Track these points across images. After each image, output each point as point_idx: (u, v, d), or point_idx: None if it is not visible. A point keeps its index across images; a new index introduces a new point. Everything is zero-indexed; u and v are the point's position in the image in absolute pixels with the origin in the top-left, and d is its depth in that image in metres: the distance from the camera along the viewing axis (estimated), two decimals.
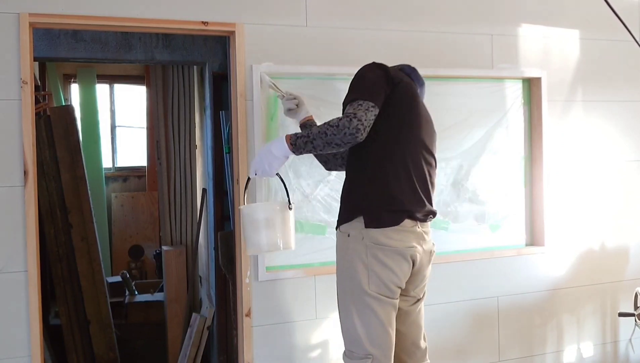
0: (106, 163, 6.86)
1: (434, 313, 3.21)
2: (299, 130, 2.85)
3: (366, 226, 2.23)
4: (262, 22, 2.88)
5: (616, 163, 3.60)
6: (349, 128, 2.11)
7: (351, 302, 2.28)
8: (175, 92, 5.00)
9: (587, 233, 3.54)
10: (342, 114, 2.23)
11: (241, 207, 2.54)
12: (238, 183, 2.87)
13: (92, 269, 4.46)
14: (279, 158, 2.30)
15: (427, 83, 3.07)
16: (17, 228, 2.57)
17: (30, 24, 2.59)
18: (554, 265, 3.46)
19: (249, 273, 2.89)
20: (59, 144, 4.34)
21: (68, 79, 6.80)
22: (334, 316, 3.04)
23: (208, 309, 4.28)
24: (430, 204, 2.36)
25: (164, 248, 4.98)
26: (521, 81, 3.41)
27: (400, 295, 2.33)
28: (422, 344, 2.49)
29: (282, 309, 2.97)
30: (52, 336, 4.37)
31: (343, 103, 2.33)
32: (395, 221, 2.22)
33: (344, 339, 2.34)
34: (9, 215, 2.56)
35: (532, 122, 3.43)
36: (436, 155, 2.43)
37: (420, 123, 2.33)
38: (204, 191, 4.61)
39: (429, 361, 2.52)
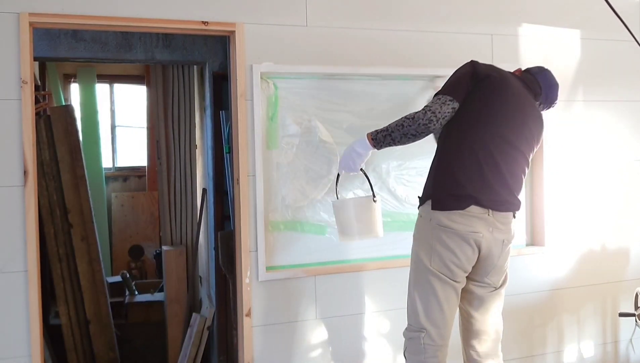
0: (106, 162, 6.86)
1: None
2: (299, 128, 2.87)
3: (432, 209, 2.37)
4: (262, 22, 2.88)
5: (616, 163, 3.60)
6: (422, 119, 2.33)
7: (415, 278, 2.43)
8: (175, 92, 5.00)
9: (587, 233, 3.54)
10: None
11: (333, 201, 2.77)
12: (238, 183, 2.87)
13: (92, 269, 4.45)
14: (362, 155, 2.51)
15: (427, 83, 3.08)
16: (17, 227, 2.57)
17: (30, 24, 2.59)
18: (554, 265, 3.46)
19: (249, 273, 2.89)
20: (59, 144, 4.33)
21: (68, 78, 6.80)
22: (334, 317, 3.05)
23: (208, 309, 4.28)
24: (509, 195, 2.41)
25: (164, 248, 4.98)
26: None
27: (475, 281, 2.45)
28: (493, 334, 2.52)
29: (282, 309, 2.97)
30: (52, 336, 4.37)
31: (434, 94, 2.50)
32: (459, 206, 2.33)
33: (407, 314, 2.48)
34: (9, 215, 2.56)
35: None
36: (526, 151, 2.47)
37: (504, 116, 2.40)
38: (204, 191, 4.61)
39: (500, 355, 2.55)
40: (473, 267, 2.41)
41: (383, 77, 3.10)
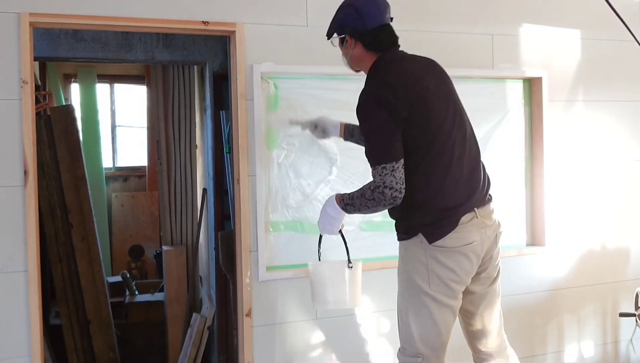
0: (106, 162, 6.86)
1: None
2: (299, 128, 2.87)
3: (430, 243, 2.23)
4: (262, 22, 2.88)
5: (617, 163, 3.60)
6: (385, 200, 2.14)
7: (408, 302, 2.31)
8: (175, 92, 5.00)
9: (587, 233, 3.54)
10: (370, 171, 2.21)
11: (309, 264, 2.63)
12: (238, 183, 2.87)
13: (92, 269, 4.45)
14: (336, 218, 2.36)
15: None
16: (17, 228, 2.57)
17: (31, 24, 2.59)
18: (554, 265, 3.46)
19: (249, 273, 2.88)
20: (59, 144, 4.33)
21: (68, 78, 6.80)
22: (334, 317, 3.04)
23: (208, 309, 4.28)
24: (482, 186, 2.30)
25: (164, 248, 4.98)
26: (522, 81, 3.41)
27: (475, 280, 2.35)
28: (495, 330, 2.45)
29: (283, 309, 2.97)
30: (52, 336, 4.37)
31: (362, 134, 2.28)
32: (452, 225, 2.21)
33: (399, 337, 2.36)
34: (9, 215, 2.56)
35: (532, 122, 3.43)
36: (469, 128, 2.33)
37: (437, 114, 2.22)
38: (205, 190, 4.61)
39: (508, 348, 2.49)
40: (481, 267, 2.35)
41: None
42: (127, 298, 5.48)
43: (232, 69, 2.90)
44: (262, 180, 2.89)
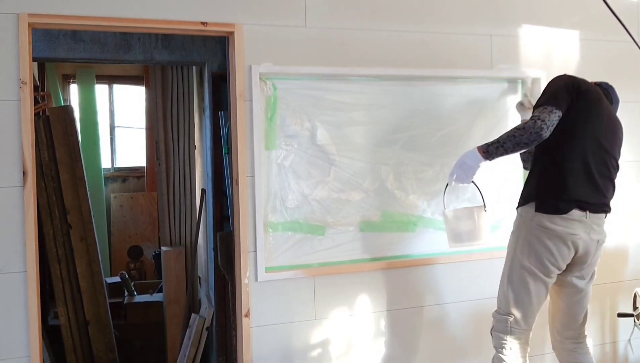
0: (105, 163, 6.86)
1: (433, 314, 3.21)
2: (298, 129, 2.87)
3: (536, 211, 2.58)
4: (261, 23, 2.88)
5: None
6: (533, 128, 2.48)
7: (510, 272, 2.67)
8: (174, 93, 5.00)
9: None
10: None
11: (445, 211, 2.92)
12: (237, 184, 2.87)
13: (91, 269, 4.45)
14: (473, 167, 2.66)
15: (426, 83, 3.08)
16: (16, 228, 2.57)
17: (30, 25, 2.59)
18: None
19: (248, 273, 2.89)
20: (58, 145, 4.33)
21: (67, 79, 6.80)
22: (333, 317, 3.05)
23: (207, 310, 4.28)
24: (603, 197, 2.64)
25: (163, 248, 4.98)
26: (521, 81, 3.41)
27: (568, 274, 2.67)
28: (584, 319, 2.81)
29: (281, 309, 2.97)
30: (52, 336, 4.37)
31: (534, 106, 2.68)
32: (562, 210, 2.54)
33: (497, 300, 2.73)
34: (8, 216, 2.56)
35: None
36: (617, 156, 2.74)
37: (599, 125, 2.63)
38: (203, 191, 4.61)
39: (586, 337, 2.86)
40: (568, 264, 2.62)
41: (382, 78, 3.10)
42: (126, 298, 5.47)
43: (231, 70, 2.91)
44: (261, 181, 2.89)
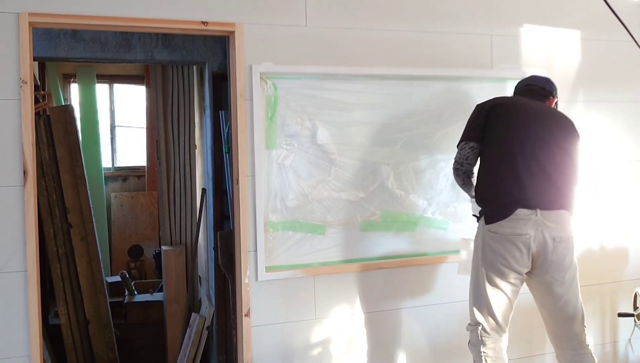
0: (106, 162, 6.85)
1: (433, 314, 3.21)
2: (299, 128, 2.89)
3: (485, 224, 2.63)
4: (261, 22, 2.89)
5: (616, 163, 3.60)
6: (453, 171, 2.83)
7: (472, 280, 2.72)
8: (175, 92, 5.00)
9: (586, 233, 3.54)
10: None
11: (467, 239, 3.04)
12: (237, 183, 2.87)
13: (91, 269, 4.45)
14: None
15: (426, 83, 3.08)
16: (16, 227, 2.57)
17: (30, 24, 2.59)
18: None
19: (248, 273, 2.89)
20: (59, 144, 4.33)
21: (68, 78, 6.79)
22: (333, 316, 3.05)
23: (207, 309, 4.28)
24: (556, 192, 2.60)
25: (164, 248, 4.98)
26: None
27: (539, 277, 2.62)
28: (577, 327, 2.70)
29: (282, 309, 2.97)
30: (52, 336, 4.37)
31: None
32: (505, 214, 2.56)
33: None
34: (8, 215, 2.56)
35: None
36: (564, 151, 2.68)
37: (522, 127, 2.66)
38: (204, 191, 4.61)
39: (587, 346, 2.76)
40: (533, 265, 2.59)
41: (383, 78, 3.11)
42: (126, 298, 5.47)
43: (232, 69, 2.91)
44: (261, 180, 2.89)
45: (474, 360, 2.71)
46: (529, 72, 3.35)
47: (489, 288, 2.61)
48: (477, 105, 2.82)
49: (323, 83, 3.01)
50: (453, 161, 2.79)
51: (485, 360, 2.64)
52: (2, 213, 2.56)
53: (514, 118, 2.69)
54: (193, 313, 4.49)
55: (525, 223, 2.53)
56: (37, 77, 5.55)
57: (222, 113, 3.95)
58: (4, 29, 2.54)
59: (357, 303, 3.10)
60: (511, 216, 2.54)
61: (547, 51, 3.42)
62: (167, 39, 4.21)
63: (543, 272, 2.60)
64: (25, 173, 2.57)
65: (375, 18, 3.07)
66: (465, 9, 3.24)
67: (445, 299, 3.23)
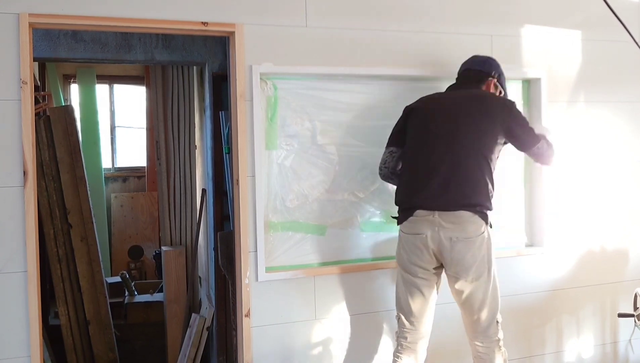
0: (106, 163, 6.86)
1: (434, 313, 3.21)
2: (299, 128, 2.89)
3: (398, 224, 2.79)
4: (262, 23, 2.88)
5: (616, 164, 3.60)
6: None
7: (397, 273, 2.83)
8: (175, 93, 5.00)
9: (586, 233, 3.54)
10: None
11: None
12: (238, 184, 2.87)
13: (91, 269, 4.46)
14: None
15: (426, 84, 3.08)
16: (16, 228, 2.57)
17: (30, 24, 2.59)
18: (553, 266, 3.46)
19: (248, 273, 2.89)
20: (59, 145, 4.34)
21: (68, 79, 6.80)
22: (333, 317, 3.05)
23: (207, 309, 4.28)
24: (455, 194, 2.61)
25: (164, 248, 4.98)
26: (521, 81, 3.41)
27: (449, 274, 2.69)
28: (483, 321, 2.68)
29: (282, 309, 2.97)
30: (52, 336, 4.37)
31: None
32: (407, 216, 2.70)
33: None
34: (8, 215, 2.56)
35: (531, 123, 3.42)
36: (477, 146, 2.65)
37: (433, 129, 2.70)
38: (204, 191, 4.61)
39: (496, 341, 2.70)
40: (440, 262, 2.68)
41: (383, 78, 3.11)
42: (127, 298, 5.48)
43: (232, 70, 2.91)
44: (261, 181, 2.89)
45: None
46: (529, 73, 3.36)
47: (401, 282, 2.75)
48: (404, 109, 2.86)
49: (323, 83, 3.01)
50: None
51: (399, 347, 2.78)
52: (2, 214, 2.56)
53: (425, 121, 2.74)
54: (193, 314, 4.49)
55: (424, 223, 2.63)
56: (37, 78, 5.55)
57: (222, 114, 3.95)
58: (4, 29, 2.54)
59: (357, 303, 3.10)
60: (412, 217, 2.66)
61: (547, 51, 3.42)
62: (167, 40, 4.21)
63: (448, 268, 2.67)
64: (25, 173, 2.57)
65: (375, 18, 3.07)
66: (465, 9, 3.24)
67: (445, 299, 3.22)
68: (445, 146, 2.65)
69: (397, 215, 2.80)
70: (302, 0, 2.95)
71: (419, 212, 2.65)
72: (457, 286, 2.66)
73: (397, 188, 2.82)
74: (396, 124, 2.85)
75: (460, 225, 2.60)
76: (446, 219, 2.60)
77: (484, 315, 2.67)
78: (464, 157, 2.63)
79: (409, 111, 2.80)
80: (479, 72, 2.86)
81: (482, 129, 2.67)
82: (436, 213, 2.61)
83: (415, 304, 2.72)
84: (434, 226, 2.62)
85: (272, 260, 2.94)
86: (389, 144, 2.86)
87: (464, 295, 2.67)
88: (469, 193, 2.62)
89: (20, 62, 2.56)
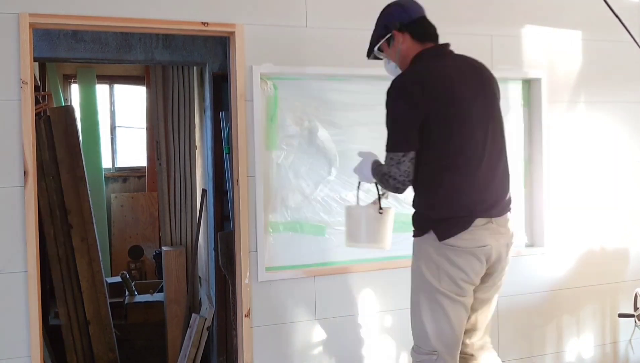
0: (106, 163, 6.86)
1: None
2: (299, 129, 2.88)
3: (440, 240, 2.23)
4: (262, 23, 2.89)
5: (616, 164, 3.60)
6: (390, 187, 2.28)
7: (422, 299, 2.30)
8: (175, 93, 5.00)
9: (587, 234, 3.54)
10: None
11: (347, 205, 2.72)
12: (238, 184, 2.87)
13: (91, 269, 4.45)
14: (367, 176, 2.45)
15: None
16: (17, 228, 2.57)
17: (30, 25, 2.59)
18: (553, 266, 3.46)
19: (248, 273, 2.89)
20: (59, 145, 4.33)
21: (68, 79, 6.80)
22: (333, 317, 3.05)
23: (208, 310, 4.28)
24: (502, 197, 2.32)
25: (164, 248, 4.98)
26: (521, 81, 3.41)
27: (482, 286, 2.36)
28: (484, 329, 2.48)
29: (282, 309, 2.97)
30: (52, 336, 4.37)
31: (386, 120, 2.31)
32: (464, 226, 2.22)
33: (413, 335, 2.36)
34: (8, 215, 2.56)
35: (531, 123, 3.43)
36: (498, 135, 2.33)
37: (461, 120, 2.23)
38: (204, 191, 4.61)
39: (492, 355, 2.51)
40: (485, 276, 2.34)
41: (382, 78, 3.10)
42: (127, 298, 5.48)
43: (232, 70, 2.91)
44: (261, 181, 2.89)
45: None
46: (529, 73, 3.35)
47: (450, 309, 2.25)
48: (401, 87, 2.24)
49: (323, 84, 3.01)
50: (387, 177, 2.25)
51: None
52: (3, 214, 2.56)
53: (456, 106, 2.22)
54: (193, 314, 4.49)
55: (484, 233, 2.24)
56: (38, 78, 5.55)
57: (222, 114, 3.95)
58: (4, 29, 2.54)
59: (357, 303, 3.09)
60: (471, 228, 2.22)
61: (547, 51, 3.42)
62: (167, 40, 4.21)
63: (493, 278, 2.37)
64: (25, 173, 2.57)
65: (375, 18, 3.07)
66: (465, 9, 3.24)
67: None
68: (486, 137, 2.26)
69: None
70: (302, 0, 2.95)
71: (477, 221, 2.23)
72: (496, 293, 2.43)
73: (433, 195, 2.27)
74: (406, 120, 2.22)
75: (507, 227, 2.34)
76: (501, 225, 2.30)
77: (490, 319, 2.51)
78: (503, 153, 2.35)
79: (424, 98, 2.19)
80: (435, 29, 2.46)
81: (500, 111, 2.40)
82: (492, 219, 2.27)
83: (461, 331, 2.31)
84: (494, 234, 2.27)
85: (272, 260, 2.94)
86: (405, 148, 2.21)
87: (496, 300, 2.45)
88: (508, 193, 2.36)
89: (20, 62, 2.56)
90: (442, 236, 2.23)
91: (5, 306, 2.58)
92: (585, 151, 3.53)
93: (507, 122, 3.32)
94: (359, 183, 2.65)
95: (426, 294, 2.28)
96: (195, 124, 5.04)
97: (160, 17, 2.74)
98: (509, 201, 2.37)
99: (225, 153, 3.92)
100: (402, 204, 3.15)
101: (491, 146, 2.28)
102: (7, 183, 2.56)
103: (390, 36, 2.41)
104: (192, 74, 5.00)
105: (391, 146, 2.24)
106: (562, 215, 3.46)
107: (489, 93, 2.38)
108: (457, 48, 3.21)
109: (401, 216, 3.15)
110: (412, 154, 2.21)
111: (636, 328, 3.52)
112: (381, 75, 3.08)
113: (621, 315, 3.44)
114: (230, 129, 3.10)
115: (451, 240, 2.22)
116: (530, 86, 3.42)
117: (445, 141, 2.22)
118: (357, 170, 2.51)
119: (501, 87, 3.30)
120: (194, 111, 5.04)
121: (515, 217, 3.35)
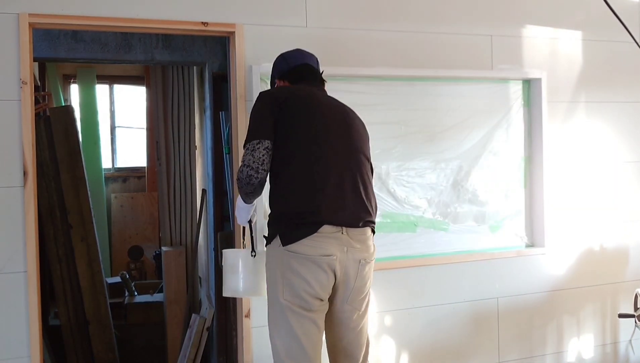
0: (106, 163, 6.86)
1: (433, 314, 3.21)
2: None
3: (284, 245, 2.18)
4: (262, 23, 2.88)
5: (617, 164, 3.60)
6: (244, 178, 2.19)
7: (270, 314, 2.25)
8: (175, 93, 5.00)
9: (587, 234, 3.54)
10: None
11: (224, 250, 2.60)
12: None
13: (91, 269, 4.45)
14: (243, 208, 2.44)
15: (426, 84, 3.06)
16: (16, 228, 2.57)
17: (30, 24, 2.59)
18: (554, 266, 3.46)
19: None
20: (59, 145, 4.33)
21: (68, 79, 6.80)
22: None
23: (208, 310, 4.28)
24: (361, 208, 2.26)
25: (164, 248, 4.98)
26: (521, 81, 3.41)
27: (337, 306, 2.27)
28: (360, 355, 2.35)
29: None
30: (52, 336, 4.37)
31: None
32: (309, 231, 2.16)
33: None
34: (8, 215, 2.56)
35: (531, 123, 3.43)
36: (362, 152, 2.35)
37: (316, 133, 2.26)
38: (204, 191, 4.60)
39: None
40: (333, 292, 2.24)
41: (382, 78, 3.10)
42: (127, 298, 5.47)
43: (232, 70, 2.91)
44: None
45: None
46: (529, 73, 3.35)
47: (295, 323, 2.16)
48: (264, 93, 2.36)
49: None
50: (242, 166, 2.20)
51: None
52: (2, 214, 2.56)
53: (319, 117, 2.28)
54: (193, 314, 4.48)
55: (331, 242, 2.16)
56: (37, 78, 5.55)
57: (222, 114, 3.95)
58: (4, 29, 2.54)
59: None
60: (315, 234, 2.14)
61: (547, 51, 3.42)
62: (167, 40, 4.21)
63: (343, 300, 2.25)
64: (25, 173, 2.57)
65: (375, 18, 3.07)
66: (465, 10, 3.24)
67: (446, 300, 3.23)
68: (351, 153, 2.30)
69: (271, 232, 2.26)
70: (302, 0, 2.95)
71: (325, 228, 2.15)
72: (357, 318, 2.28)
73: (279, 199, 2.24)
74: (263, 112, 2.26)
75: (365, 244, 2.26)
76: (355, 238, 2.22)
77: (365, 349, 2.36)
78: (364, 170, 2.33)
79: (284, 100, 2.28)
80: (320, 73, 2.53)
81: (366, 146, 2.39)
82: (343, 229, 2.19)
83: (314, 348, 2.19)
84: (342, 246, 2.18)
85: None
86: (259, 136, 2.20)
87: (357, 330, 2.30)
88: (370, 209, 2.30)
89: (20, 62, 2.56)
90: (285, 241, 2.17)
91: (4, 306, 2.57)
92: (586, 151, 3.53)
93: (506, 122, 3.35)
94: (243, 229, 2.65)
95: (273, 308, 2.23)
96: (195, 124, 5.04)
97: (160, 17, 2.74)
98: (371, 218, 2.30)
99: (225, 153, 3.92)
100: (402, 205, 3.15)
101: (343, 157, 2.27)
102: (7, 183, 2.56)
103: (274, 83, 2.57)
104: (192, 74, 5.00)
105: (248, 138, 2.25)
106: (562, 215, 3.45)
107: (349, 124, 2.37)
108: (457, 48, 3.23)
109: (400, 216, 3.16)
110: (267, 143, 2.20)
111: (636, 328, 3.52)
112: (381, 75, 3.08)
113: (621, 316, 3.44)
114: (230, 129, 3.09)
115: (294, 246, 2.15)
116: (530, 86, 3.42)
117: (287, 140, 2.24)
118: (235, 212, 2.50)
119: (501, 87, 3.34)
120: (194, 111, 5.03)
121: (515, 217, 3.39)
